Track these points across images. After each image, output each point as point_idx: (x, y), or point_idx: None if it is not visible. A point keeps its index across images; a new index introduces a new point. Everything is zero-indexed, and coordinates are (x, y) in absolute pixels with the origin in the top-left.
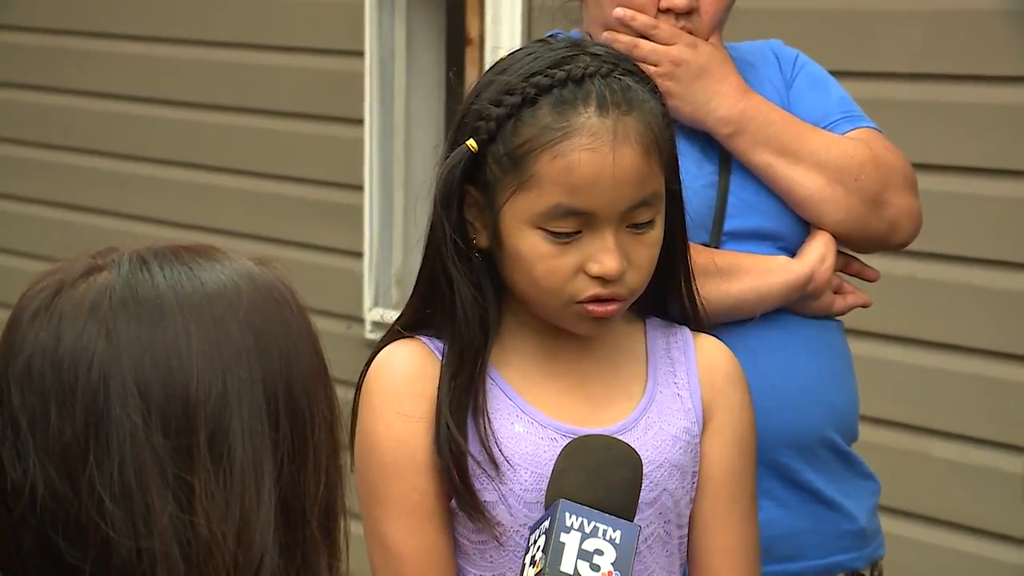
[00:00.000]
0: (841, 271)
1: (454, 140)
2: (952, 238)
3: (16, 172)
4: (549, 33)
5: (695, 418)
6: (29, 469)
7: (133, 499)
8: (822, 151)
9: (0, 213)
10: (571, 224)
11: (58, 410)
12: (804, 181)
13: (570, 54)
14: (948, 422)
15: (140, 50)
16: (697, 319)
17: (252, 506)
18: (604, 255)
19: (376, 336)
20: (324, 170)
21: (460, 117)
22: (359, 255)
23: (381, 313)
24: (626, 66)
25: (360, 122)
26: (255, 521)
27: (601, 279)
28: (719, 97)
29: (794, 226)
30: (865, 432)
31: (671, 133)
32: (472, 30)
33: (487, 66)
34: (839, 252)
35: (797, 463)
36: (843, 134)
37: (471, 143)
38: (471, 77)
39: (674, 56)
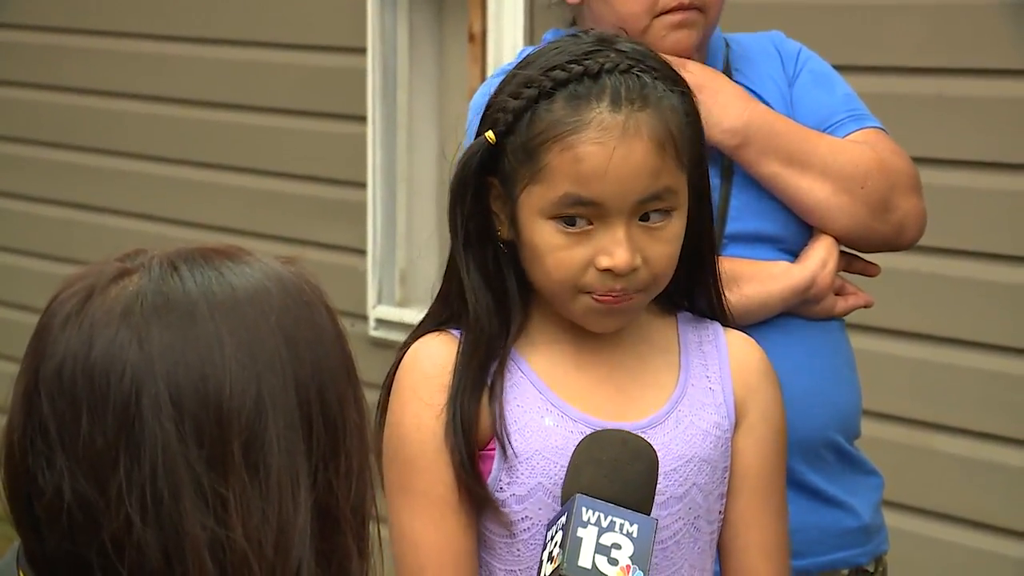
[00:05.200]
0: (844, 271)
1: (477, 132)
2: (957, 232)
3: (18, 170)
4: (571, 31)
5: (726, 413)
6: (57, 476)
7: (164, 508)
8: (828, 159)
9: (2, 211)
10: (581, 212)
11: (89, 417)
12: (812, 190)
13: (593, 49)
14: (954, 417)
15: (142, 48)
16: (724, 315)
17: (289, 514)
18: (614, 248)
19: (380, 334)
20: (327, 167)
21: (484, 110)
22: (362, 252)
23: (385, 310)
24: (649, 63)
25: (363, 119)
26: (292, 529)
27: (611, 273)
28: (720, 109)
29: (796, 229)
30: (871, 428)
31: (695, 131)
32: (475, 26)
33: (490, 63)
34: (841, 252)
35: (799, 464)
36: (848, 135)
37: (489, 134)
38: (473, 74)
39: None
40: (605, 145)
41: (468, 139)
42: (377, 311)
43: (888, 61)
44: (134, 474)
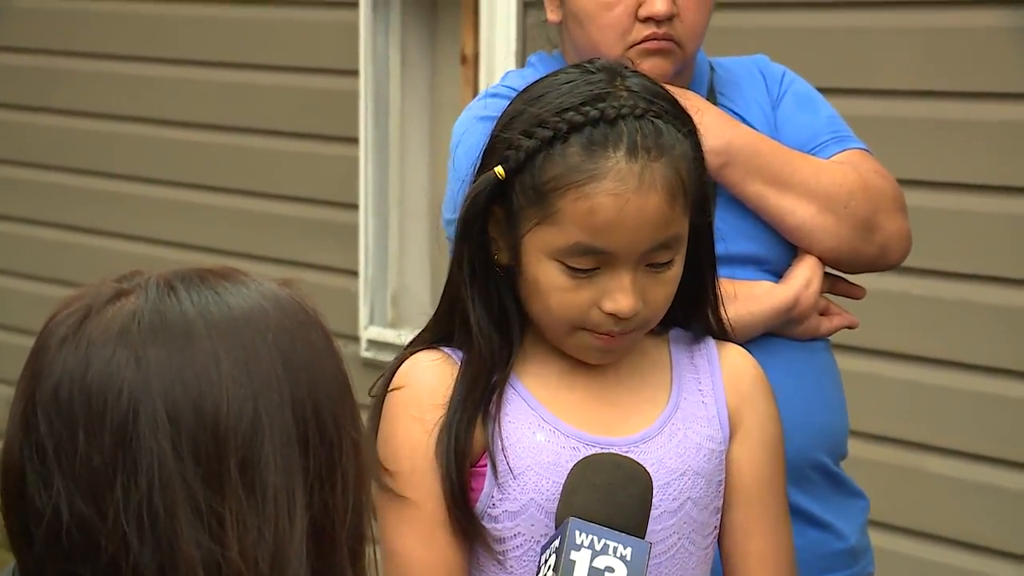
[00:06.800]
0: (828, 292)
1: (483, 164)
2: (948, 254)
3: (10, 192)
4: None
5: (719, 426)
6: (55, 496)
7: (160, 526)
8: (812, 179)
9: None
10: (589, 262)
11: (86, 437)
12: (795, 210)
13: (605, 91)
14: (944, 438)
15: (135, 71)
16: (726, 335)
17: (285, 532)
18: (620, 294)
19: (372, 355)
20: (319, 189)
21: (490, 142)
22: (354, 274)
23: (377, 332)
24: (661, 105)
25: (355, 141)
26: (288, 547)
27: (614, 316)
28: (702, 129)
29: (780, 249)
30: (861, 448)
31: (701, 171)
32: (467, 49)
33: (482, 86)
34: (825, 273)
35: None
36: (832, 156)
37: (499, 170)
38: (465, 96)
39: None
40: (620, 197)
41: (454, 163)
42: (369, 332)
43: (882, 84)
44: (131, 492)
